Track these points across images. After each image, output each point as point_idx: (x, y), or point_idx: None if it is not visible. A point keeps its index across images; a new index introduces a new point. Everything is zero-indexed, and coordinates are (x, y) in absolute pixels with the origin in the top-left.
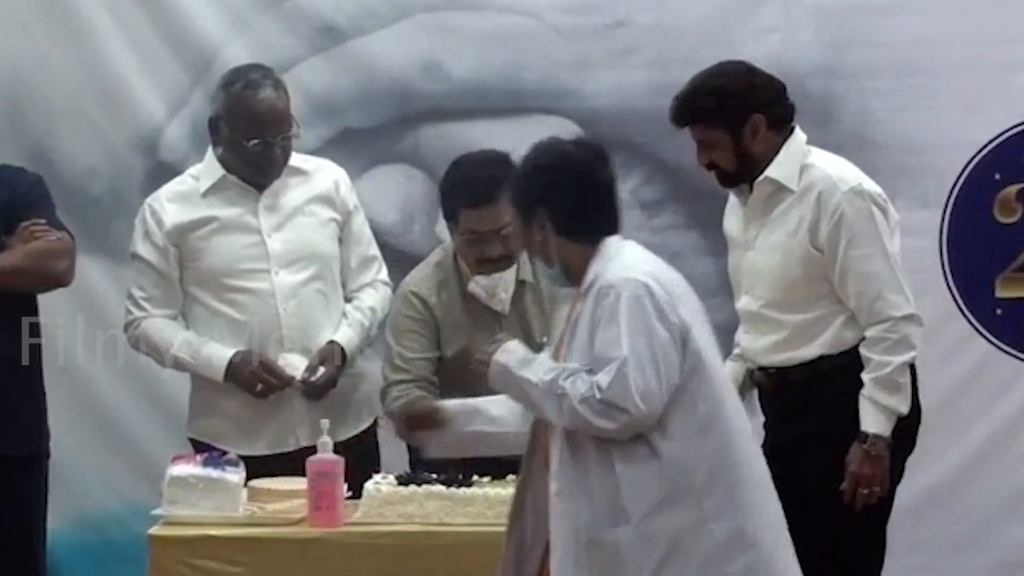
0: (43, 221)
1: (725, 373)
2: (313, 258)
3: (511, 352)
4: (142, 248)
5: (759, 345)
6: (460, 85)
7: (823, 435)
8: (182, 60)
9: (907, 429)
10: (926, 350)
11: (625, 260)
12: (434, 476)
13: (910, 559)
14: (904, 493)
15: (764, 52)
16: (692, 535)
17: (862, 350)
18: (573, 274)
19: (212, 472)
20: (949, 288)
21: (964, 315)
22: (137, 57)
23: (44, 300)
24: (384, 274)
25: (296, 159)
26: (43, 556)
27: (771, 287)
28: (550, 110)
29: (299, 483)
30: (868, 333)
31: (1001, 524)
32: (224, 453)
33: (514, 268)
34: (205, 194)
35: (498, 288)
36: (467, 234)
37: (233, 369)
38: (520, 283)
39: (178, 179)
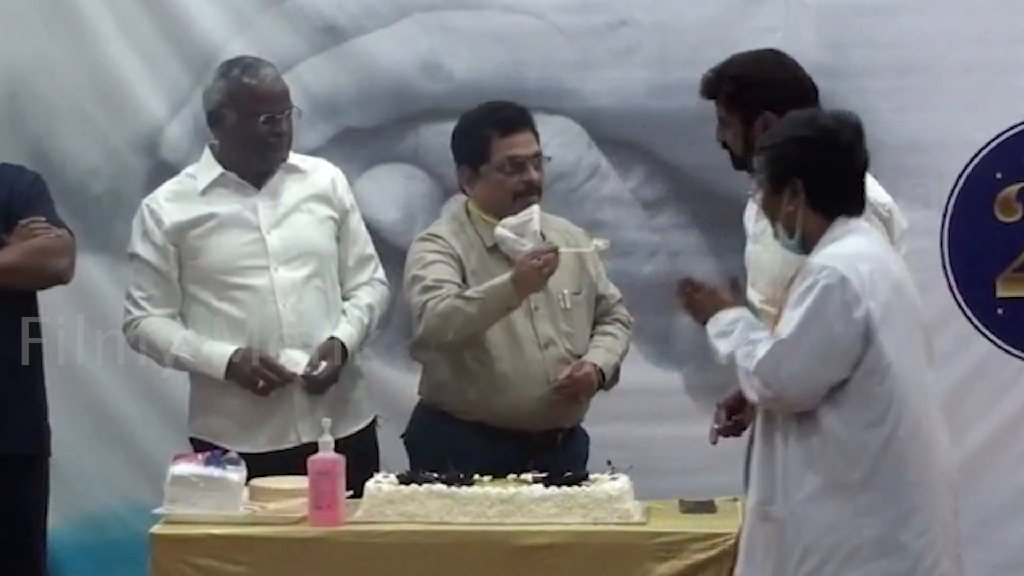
0: (42, 218)
1: (928, 378)
2: (312, 255)
3: (715, 321)
4: (141, 248)
5: None
6: (460, 85)
7: None
8: (183, 59)
9: None
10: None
11: (843, 245)
12: (435, 475)
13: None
14: None
15: None
16: (843, 527)
17: None
18: (808, 245)
19: (213, 471)
20: (950, 287)
21: (965, 314)
22: (138, 56)
23: (45, 299)
24: (381, 273)
25: (293, 157)
26: (44, 555)
27: (769, 283)
28: (551, 110)
29: (300, 482)
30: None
31: (1002, 524)
32: (225, 452)
33: (537, 220)
34: (203, 192)
35: (532, 223)
36: (506, 164)
37: (234, 367)
38: (539, 234)
39: (175, 179)
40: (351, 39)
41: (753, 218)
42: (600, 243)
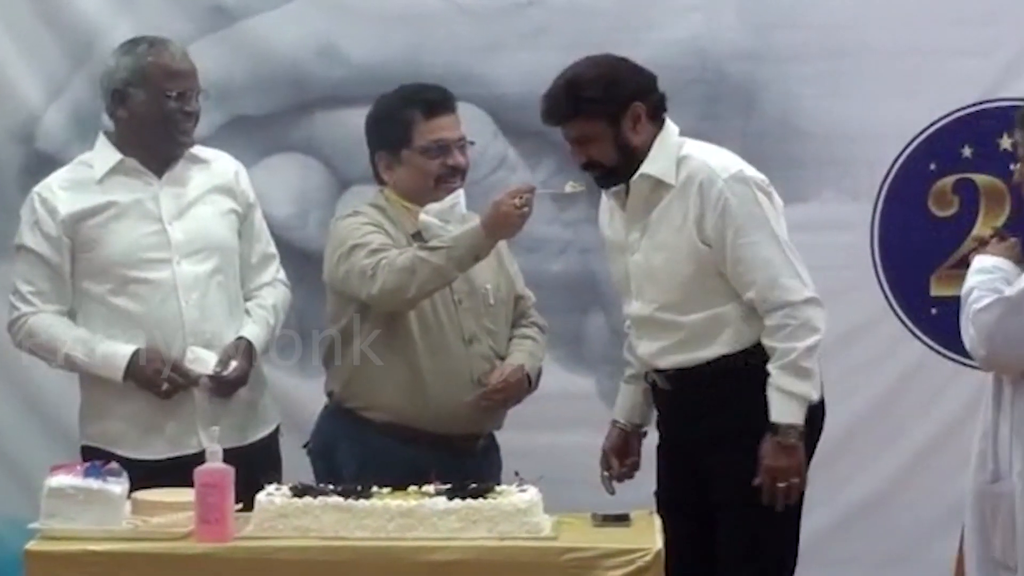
0: None
1: None
2: (215, 249)
3: (980, 259)
4: (31, 239)
5: (654, 348)
6: (359, 69)
7: (731, 434)
8: (61, 42)
9: (813, 414)
10: (856, 352)
11: None
12: (331, 487)
13: (841, 574)
14: (834, 505)
15: (683, 33)
16: None
17: (764, 340)
18: None
19: (93, 483)
20: (881, 286)
21: (897, 315)
22: (12, 39)
23: None
24: (283, 273)
25: (194, 147)
26: None
27: (662, 289)
28: (456, 96)
29: (187, 494)
30: (768, 322)
31: (937, 537)
32: (107, 463)
33: (463, 204)
34: (101, 180)
35: (457, 207)
36: (431, 148)
37: (134, 368)
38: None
39: (68, 167)
40: (241, 20)
41: (620, 228)
42: (574, 185)
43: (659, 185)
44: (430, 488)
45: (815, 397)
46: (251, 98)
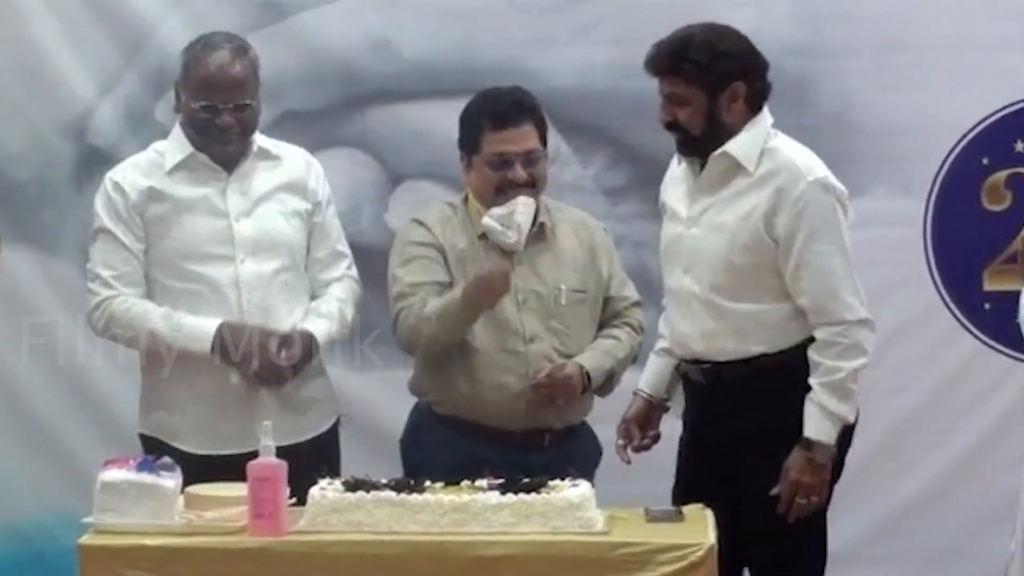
0: None
1: None
2: (280, 248)
3: None
4: (109, 222)
5: (694, 330)
6: (411, 64)
7: (761, 437)
8: (114, 37)
9: (844, 434)
10: (909, 347)
11: None
12: (383, 481)
13: (892, 570)
14: (886, 500)
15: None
16: None
17: (811, 354)
18: None
19: (146, 477)
20: (934, 281)
21: (950, 309)
22: (65, 34)
23: None
24: (354, 271)
25: (266, 142)
26: None
27: (714, 270)
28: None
29: (240, 489)
30: (819, 335)
31: (989, 533)
32: (159, 457)
33: (533, 205)
34: (171, 172)
35: (515, 215)
36: (493, 160)
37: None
38: (540, 225)
39: (141, 154)
40: (293, 15)
41: (683, 198)
42: (526, 203)
43: (736, 168)
44: (483, 483)
45: (851, 419)
46: (303, 93)
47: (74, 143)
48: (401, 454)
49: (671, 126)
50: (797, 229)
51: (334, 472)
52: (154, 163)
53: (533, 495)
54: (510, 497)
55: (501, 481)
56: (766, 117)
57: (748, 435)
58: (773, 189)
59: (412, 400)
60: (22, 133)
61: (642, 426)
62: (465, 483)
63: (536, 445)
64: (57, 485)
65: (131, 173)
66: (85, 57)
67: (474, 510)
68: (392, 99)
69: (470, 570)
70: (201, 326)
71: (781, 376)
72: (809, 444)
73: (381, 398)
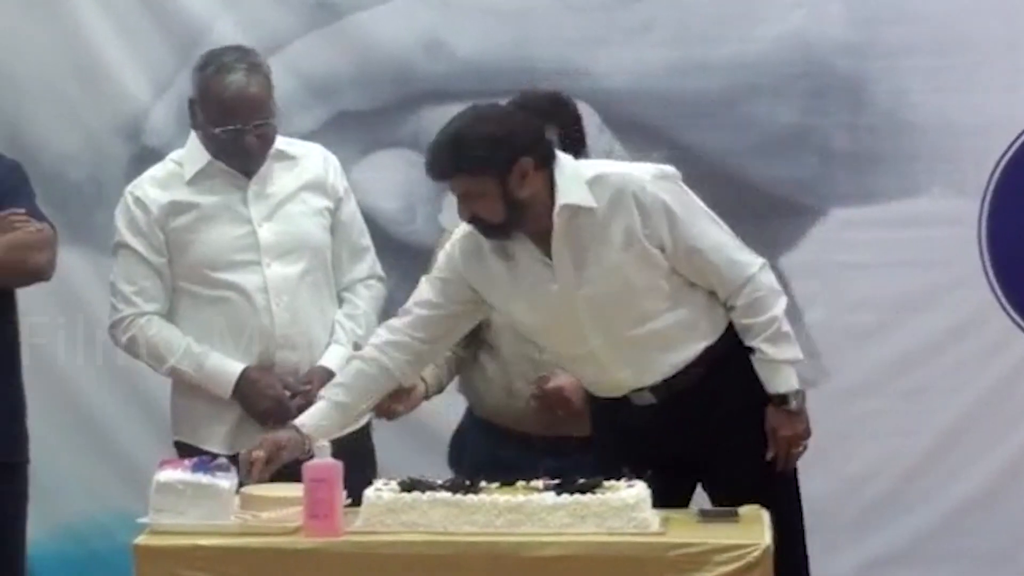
0: (22, 210)
1: None
2: (306, 249)
3: None
4: (129, 237)
5: (624, 374)
6: (465, 64)
7: (740, 417)
8: (168, 37)
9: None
10: (964, 347)
11: None
12: (439, 482)
13: (947, 571)
14: (941, 501)
15: (788, 27)
16: None
17: (740, 320)
18: None
19: (202, 478)
20: (989, 282)
21: (1005, 310)
22: (120, 34)
23: (21, 292)
24: (378, 267)
25: (281, 142)
26: (23, 569)
27: (629, 308)
28: (561, 90)
29: (296, 489)
30: (738, 302)
31: None
32: (215, 457)
33: None
34: (190, 181)
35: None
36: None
37: (243, 387)
38: None
39: (159, 165)
40: (347, 16)
41: (543, 276)
42: None
43: (578, 213)
44: (538, 483)
45: (800, 355)
46: (356, 94)
47: (128, 143)
48: (448, 451)
49: (472, 221)
50: (673, 226)
51: (371, 472)
52: (173, 174)
53: (589, 496)
54: (565, 498)
55: (557, 482)
56: (564, 159)
57: (726, 425)
58: (630, 207)
59: (455, 396)
60: (77, 134)
61: None
62: (521, 483)
63: (561, 451)
64: (113, 485)
65: (150, 187)
66: (140, 57)
67: (529, 511)
68: (445, 99)
69: (525, 571)
70: (223, 371)
71: (732, 358)
72: (781, 399)
73: None
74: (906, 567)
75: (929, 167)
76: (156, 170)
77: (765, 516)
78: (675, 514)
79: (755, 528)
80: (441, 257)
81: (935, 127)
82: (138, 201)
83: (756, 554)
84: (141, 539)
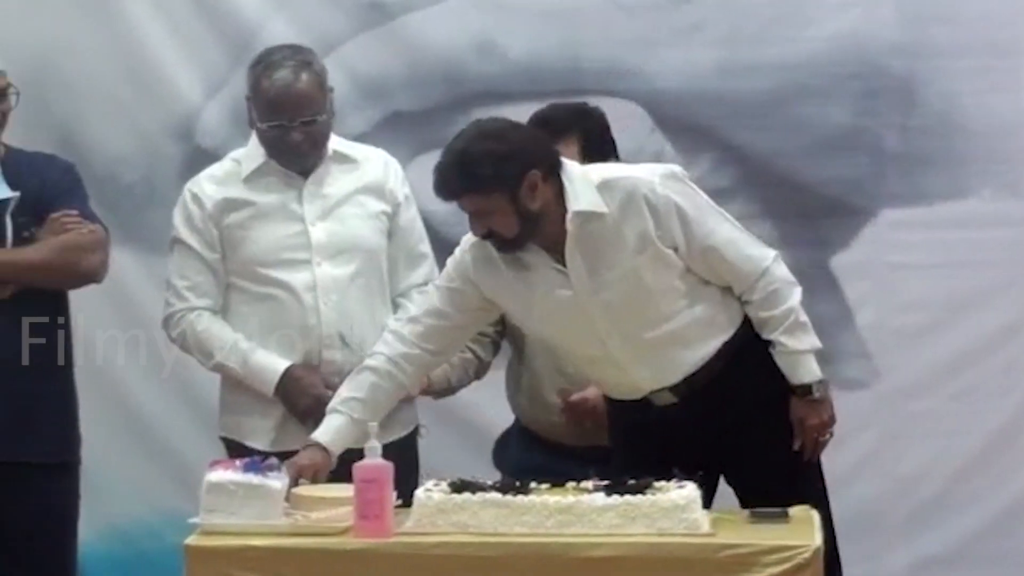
0: (75, 212)
1: None
2: (358, 251)
3: None
4: (184, 233)
5: (641, 376)
6: (515, 65)
7: (762, 410)
8: (220, 38)
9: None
10: (1014, 348)
11: None
12: (489, 483)
13: (997, 573)
14: (991, 503)
15: (840, 28)
16: None
17: (757, 313)
18: None
19: (253, 478)
20: None
21: None
22: (172, 35)
23: (73, 294)
24: (436, 275)
25: (343, 145)
26: (74, 570)
27: (646, 310)
28: (612, 91)
29: (346, 490)
30: (753, 296)
31: None
32: (266, 457)
33: None
34: (247, 179)
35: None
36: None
37: (285, 386)
38: None
39: (218, 163)
40: (399, 16)
41: (555, 283)
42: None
43: (590, 218)
44: (588, 484)
45: (819, 343)
46: (408, 95)
47: (181, 144)
48: (492, 452)
49: (487, 236)
50: (685, 225)
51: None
52: (231, 172)
53: (639, 496)
54: (616, 498)
55: (607, 483)
56: (571, 165)
57: (749, 419)
58: (642, 210)
59: (502, 397)
60: (129, 135)
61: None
62: (571, 484)
63: (599, 459)
64: (163, 485)
65: (207, 184)
66: (192, 58)
67: (579, 511)
68: (497, 100)
69: (575, 572)
70: (267, 368)
71: (753, 349)
72: (805, 389)
73: (475, 395)
74: (957, 568)
75: (980, 168)
76: (215, 167)
77: (815, 516)
78: (725, 515)
79: (805, 529)
80: (450, 265)
81: (986, 128)
82: (195, 197)
83: (806, 555)
84: (192, 539)
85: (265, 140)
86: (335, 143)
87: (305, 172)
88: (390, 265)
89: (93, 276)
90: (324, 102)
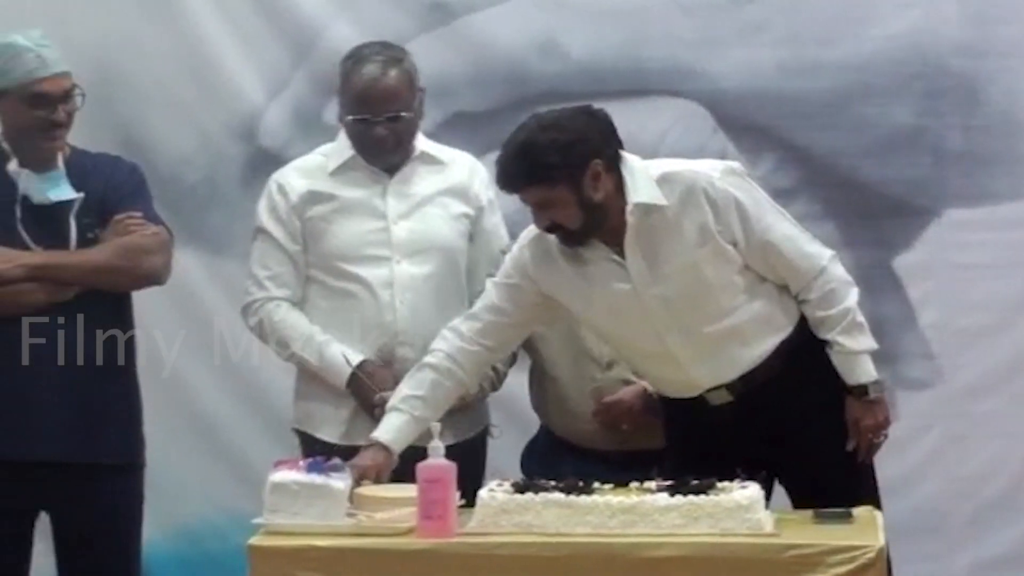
0: (139, 214)
1: None
2: (437, 251)
3: None
4: (268, 223)
5: (700, 373)
6: (578, 65)
7: (817, 410)
8: (283, 39)
9: None
10: None
11: None
12: (552, 483)
13: None
14: None
15: (902, 28)
16: None
17: (814, 312)
18: None
19: (316, 478)
20: None
21: None
22: (234, 36)
23: (136, 295)
24: None
25: (431, 147)
26: (138, 569)
27: (704, 305)
28: (674, 91)
29: (409, 490)
30: (811, 295)
31: None
32: (329, 457)
33: None
34: (333, 173)
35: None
36: None
37: (356, 380)
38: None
39: (307, 156)
40: (462, 17)
41: (612, 276)
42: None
43: (650, 211)
44: (651, 484)
45: (875, 343)
46: (471, 95)
47: (243, 145)
48: (520, 462)
49: (551, 229)
50: (744, 220)
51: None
52: (318, 166)
53: (702, 496)
54: (679, 499)
55: (670, 483)
56: (631, 158)
57: (807, 417)
58: (701, 203)
59: None
60: (192, 135)
61: None
62: (634, 484)
63: (637, 464)
64: (227, 485)
65: (293, 175)
66: (254, 59)
67: (643, 511)
68: (559, 100)
69: (639, 572)
70: (340, 362)
71: (810, 347)
72: (861, 389)
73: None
74: (1020, 568)
75: None
76: (303, 160)
77: (879, 517)
78: (789, 515)
79: (869, 529)
80: (508, 262)
81: None
82: (280, 188)
83: (870, 555)
84: (255, 539)
85: (351, 134)
86: (424, 144)
87: (390, 169)
88: (470, 267)
89: (156, 278)
90: (411, 100)
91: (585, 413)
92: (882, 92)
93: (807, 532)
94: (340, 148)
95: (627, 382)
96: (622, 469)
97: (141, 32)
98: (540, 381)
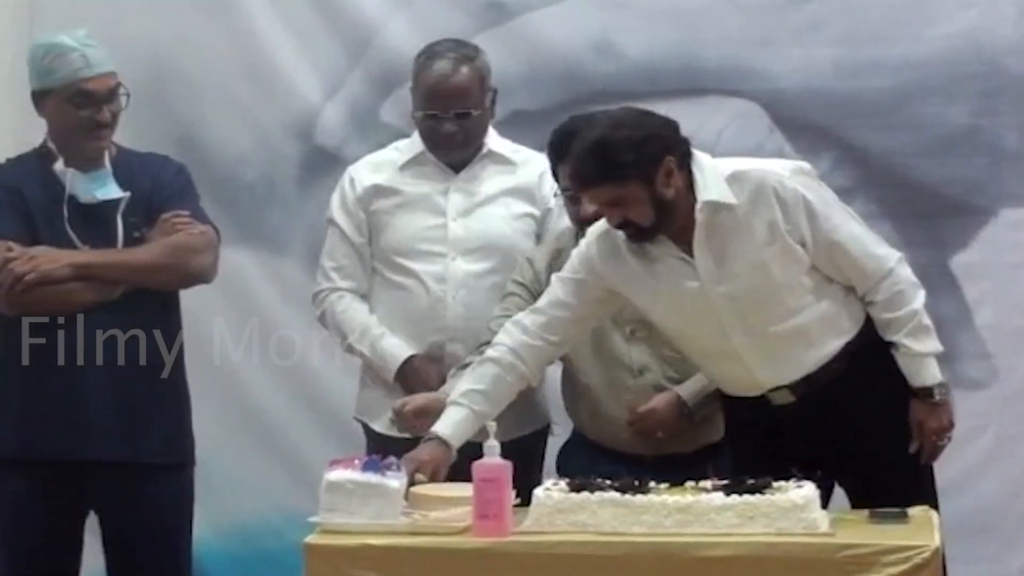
0: (186, 213)
1: None
2: (495, 250)
3: None
4: (337, 214)
5: (765, 373)
6: (634, 64)
7: (881, 413)
8: (339, 38)
9: None
10: None
11: None
12: (607, 482)
13: None
14: None
15: (960, 27)
16: None
17: (881, 314)
18: None
19: (371, 477)
20: None
21: None
22: (291, 35)
23: (194, 294)
24: None
25: (503, 147)
26: (189, 568)
27: (771, 305)
28: (730, 91)
29: (464, 489)
30: (878, 297)
31: None
32: (384, 457)
33: None
34: (403, 167)
35: None
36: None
37: (404, 373)
38: None
39: (382, 150)
40: (518, 16)
41: (681, 273)
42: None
43: (720, 209)
44: (707, 484)
45: (941, 346)
46: (527, 93)
47: (300, 144)
48: (556, 465)
49: (622, 226)
50: (813, 220)
51: (538, 477)
52: (389, 160)
53: (758, 496)
54: (734, 498)
55: (726, 482)
56: (700, 156)
57: (862, 417)
58: (771, 202)
59: None
60: (249, 134)
61: None
62: (689, 484)
63: (672, 467)
64: (283, 484)
65: (364, 169)
66: (311, 58)
67: (698, 511)
68: (615, 99)
69: (695, 571)
70: (391, 354)
71: (873, 350)
72: (926, 392)
73: None
74: None
75: None
76: (376, 154)
77: (935, 517)
78: (844, 515)
79: (924, 529)
80: (575, 257)
81: None
82: (351, 181)
83: (926, 555)
84: (311, 538)
85: (421, 129)
86: (495, 143)
87: (458, 166)
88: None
89: (202, 277)
90: (481, 97)
91: (618, 419)
92: (939, 92)
93: (862, 532)
94: (412, 144)
95: (659, 388)
96: (656, 472)
97: (197, 31)
98: (573, 387)
